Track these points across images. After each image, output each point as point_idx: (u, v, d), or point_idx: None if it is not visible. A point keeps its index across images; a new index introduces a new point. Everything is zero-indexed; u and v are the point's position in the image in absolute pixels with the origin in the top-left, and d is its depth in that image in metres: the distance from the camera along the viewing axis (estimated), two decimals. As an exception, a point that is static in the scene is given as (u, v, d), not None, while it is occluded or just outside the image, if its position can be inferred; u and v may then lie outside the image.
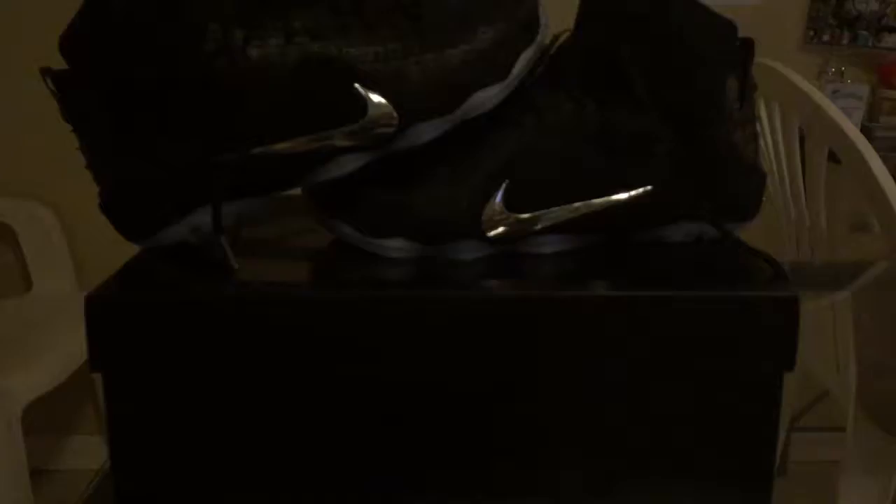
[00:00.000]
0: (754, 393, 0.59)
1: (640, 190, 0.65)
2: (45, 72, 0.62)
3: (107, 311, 0.57)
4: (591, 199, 0.65)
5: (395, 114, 0.62)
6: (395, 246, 0.65)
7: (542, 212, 0.65)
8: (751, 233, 0.70)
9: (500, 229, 0.65)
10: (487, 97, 0.64)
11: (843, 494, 1.33)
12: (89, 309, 0.57)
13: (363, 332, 0.58)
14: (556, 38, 0.68)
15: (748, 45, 0.67)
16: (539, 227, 0.65)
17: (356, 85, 0.61)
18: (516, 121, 0.65)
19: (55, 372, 1.43)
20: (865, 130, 1.86)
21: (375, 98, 0.61)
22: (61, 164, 1.44)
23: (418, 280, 0.61)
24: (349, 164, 0.64)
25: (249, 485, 0.60)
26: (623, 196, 0.65)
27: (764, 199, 0.69)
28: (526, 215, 0.65)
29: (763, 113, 1.48)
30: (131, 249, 0.67)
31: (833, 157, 1.26)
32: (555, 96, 0.65)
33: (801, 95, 1.29)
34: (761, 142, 1.45)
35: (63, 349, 1.46)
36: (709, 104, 0.65)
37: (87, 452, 1.74)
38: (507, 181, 0.64)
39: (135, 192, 0.63)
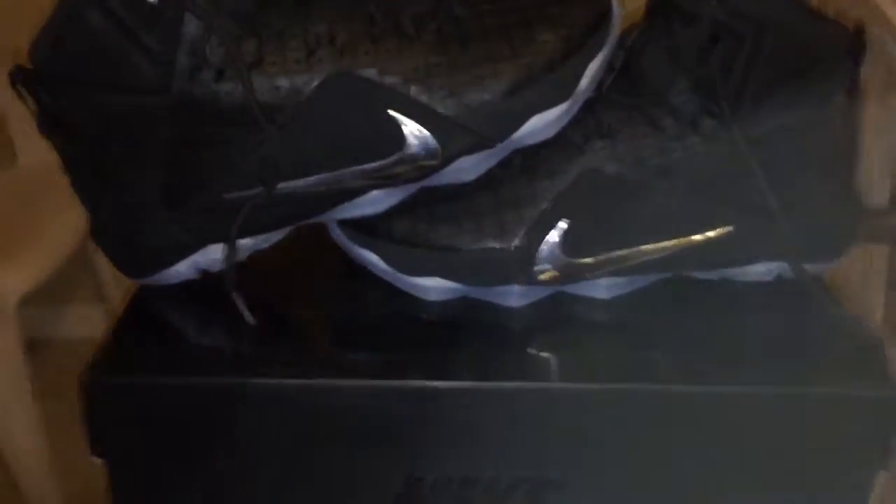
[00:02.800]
0: (841, 494, 0.52)
1: (721, 230, 0.55)
2: (18, 74, 0.50)
3: (104, 396, 0.50)
4: (661, 241, 0.55)
5: (436, 146, 0.51)
6: (431, 286, 0.56)
7: (604, 257, 0.55)
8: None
9: (553, 274, 0.55)
10: (546, 122, 0.52)
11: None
12: (86, 393, 0.49)
13: (384, 424, 0.50)
14: (627, 31, 0.56)
15: (860, 41, 0.54)
16: (597, 272, 0.56)
17: (391, 112, 0.50)
18: (580, 146, 0.54)
19: (48, 262, 1.36)
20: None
21: (413, 128, 0.50)
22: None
23: (458, 366, 0.52)
24: (383, 202, 0.54)
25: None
26: (699, 238, 0.55)
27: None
28: (586, 260, 0.55)
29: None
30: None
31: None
32: (629, 116, 0.54)
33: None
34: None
35: (54, 236, 1.37)
36: (812, 130, 0.54)
37: (87, 321, 1.69)
38: (565, 220, 0.54)
39: (136, 226, 0.53)
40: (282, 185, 0.51)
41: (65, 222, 1.38)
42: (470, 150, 0.52)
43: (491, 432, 0.51)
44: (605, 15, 0.53)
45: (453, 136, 0.51)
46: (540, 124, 0.52)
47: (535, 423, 0.51)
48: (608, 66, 0.54)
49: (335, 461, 0.52)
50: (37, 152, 1.60)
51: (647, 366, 0.52)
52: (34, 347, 1.32)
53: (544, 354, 0.54)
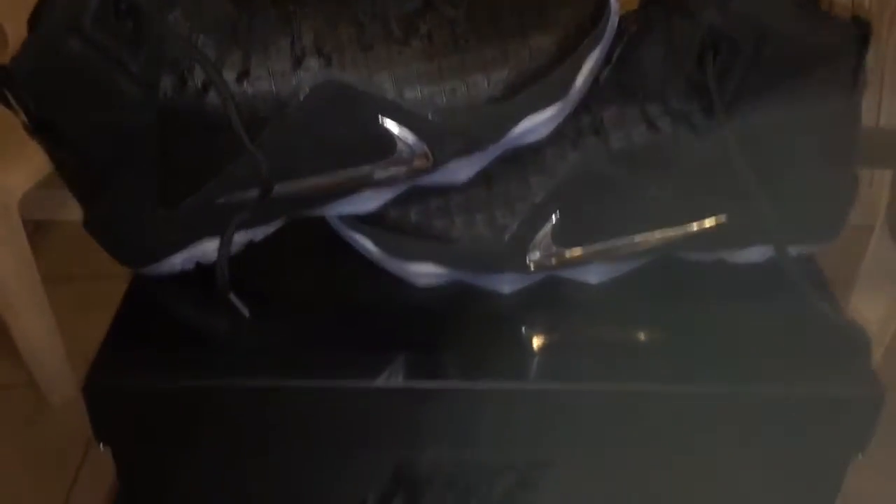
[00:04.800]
0: (820, 472, 0.55)
1: (714, 220, 0.55)
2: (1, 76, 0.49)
3: (106, 398, 0.52)
4: (654, 231, 0.55)
5: (427, 151, 0.50)
6: (424, 272, 0.57)
7: (596, 246, 0.55)
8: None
9: (545, 263, 0.56)
10: (540, 122, 0.52)
11: (854, 303, 1.34)
12: (88, 395, 0.51)
13: (378, 414, 0.52)
14: (624, 18, 0.54)
15: (863, 36, 0.52)
16: (589, 262, 0.56)
17: (382, 119, 0.49)
18: (575, 141, 0.53)
19: (47, 159, 1.35)
20: None
21: (404, 133, 0.50)
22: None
23: (456, 365, 0.53)
24: (375, 200, 0.54)
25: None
26: (693, 227, 0.56)
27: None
28: (577, 251, 0.55)
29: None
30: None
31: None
32: (624, 114, 0.53)
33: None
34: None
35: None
36: (812, 122, 0.53)
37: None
38: (557, 212, 0.54)
39: (131, 222, 0.54)
40: (273, 189, 0.51)
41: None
42: (462, 153, 0.51)
43: (482, 420, 0.53)
44: (601, 10, 0.51)
45: (445, 140, 0.50)
46: (533, 125, 0.51)
47: (526, 412, 0.53)
48: (605, 59, 0.53)
49: (330, 448, 0.54)
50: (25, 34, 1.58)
51: (634, 363, 0.53)
52: (36, 231, 1.34)
53: (535, 344, 0.55)
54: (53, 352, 1.36)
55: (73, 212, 1.98)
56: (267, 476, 0.55)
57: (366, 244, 0.57)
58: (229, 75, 0.47)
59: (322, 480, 0.55)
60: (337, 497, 0.56)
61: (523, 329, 0.55)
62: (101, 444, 0.53)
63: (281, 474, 0.55)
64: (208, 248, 0.54)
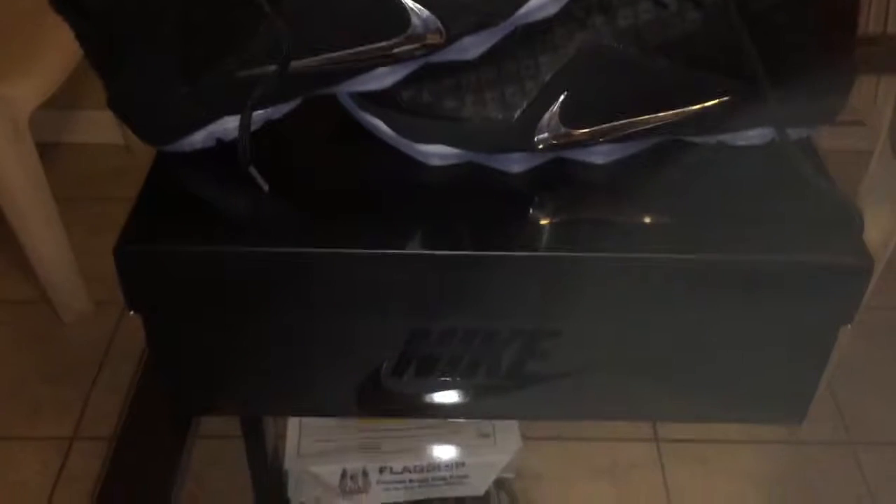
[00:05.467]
0: (811, 339, 0.57)
1: (716, 101, 0.57)
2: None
3: (135, 263, 0.54)
4: (658, 111, 0.57)
5: (441, 27, 0.52)
6: (436, 152, 0.59)
7: (602, 127, 0.57)
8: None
9: (553, 142, 0.58)
10: (547, 0, 0.53)
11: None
12: (118, 260, 0.53)
13: (392, 285, 0.55)
14: None
15: None
16: (596, 142, 0.58)
17: (397, -7, 0.51)
18: (582, 20, 0.55)
19: (58, 72, 1.36)
20: None
21: (418, 9, 0.51)
22: None
23: (468, 235, 0.55)
24: (388, 77, 0.56)
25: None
26: (695, 107, 0.57)
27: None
28: (584, 131, 0.57)
29: None
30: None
31: None
32: (630, -9, 0.54)
33: None
34: None
35: (62, 45, 1.37)
36: (812, 2, 0.55)
37: (95, 126, 1.72)
38: (565, 91, 0.56)
39: (153, 99, 0.55)
40: (290, 64, 0.53)
41: (67, 34, 1.38)
42: (474, 29, 0.53)
43: (492, 288, 0.56)
44: None
45: (458, 15, 0.52)
46: (543, 1, 0.53)
47: (534, 279, 0.55)
48: (613, -64, 0.54)
49: (346, 316, 0.57)
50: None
51: (637, 234, 0.56)
52: (44, 152, 1.36)
53: (542, 221, 0.57)
54: (66, 268, 1.39)
55: (79, 134, 2.00)
56: (286, 340, 0.58)
57: (379, 125, 0.59)
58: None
59: (339, 347, 0.58)
60: (353, 362, 0.59)
61: (532, 204, 0.58)
62: (132, 311, 0.55)
63: (299, 339, 0.58)
64: (228, 126, 0.57)
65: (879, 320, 1.35)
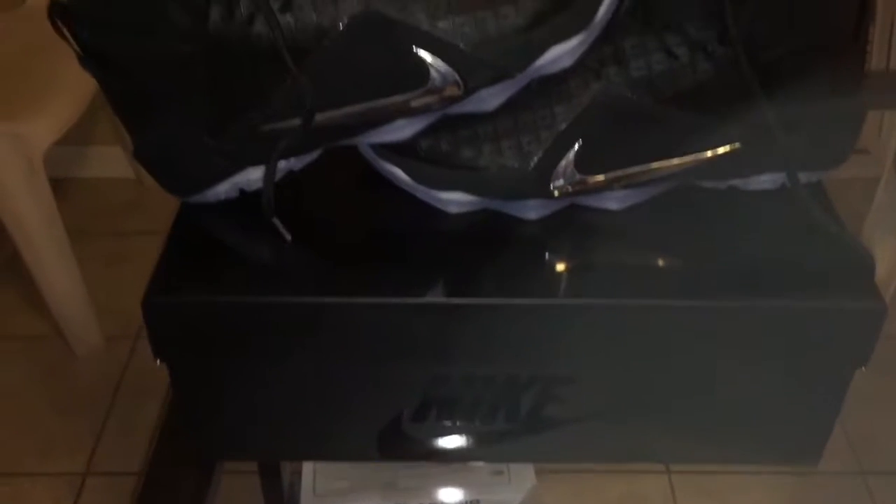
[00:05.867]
0: (825, 383, 0.58)
1: (729, 147, 0.58)
2: (55, 9, 0.52)
3: (162, 314, 0.55)
4: (671, 159, 0.58)
5: (459, 80, 0.53)
6: (454, 199, 0.60)
7: (617, 174, 0.58)
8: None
9: (569, 189, 0.59)
10: (565, 52, 0.54)
11: (866, 241, 1.37)
12: (146, 311, 0.54)
13: (413, 333, 0.56)
14: None
15: None
16: (610, 188, 0.59)
17: (416, 49, 0.52)
18: (597, 71, 0.56)
19: (72, 110, 1.38)
20: None
21: (437, 63, 0.53)
22: None
23: (487, 283, 0.56)
24: (408, 129, 0.57)
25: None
26: (707, 154, 0.59)
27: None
28: (599, 177, 0.58)
29: None
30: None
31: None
32: (643, 43, 0.56)
33: None
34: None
35: (75, 81, 1.38)
36: (821, 51, 0.56)
37: (107, 161, 1.73)
38: (580, 140, 0.57)
39: (179, 151, 0.57)
40: (320, 116, 0.54)
41: (78, 71, 1.39)
42: (491, 82, 0.54)
43: (511, 338, 0.57)
44: None
45: (476, 69, 0.53)
46: (559, 54, 0.54)
47: (551, 327, 0.56)
48: (627, -11, 0.56)
49: (367, 363, 0.58)
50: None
51: (652, 280, 0.57)
52: (57, 187, 1.37)
53: (559, 264, 0.58)
54: (78, 302, 1.40)
55: (91, 169, 2.01)
56: (308, 388, 0.59)
57: (398, 173, 0.60)
58: (274, 5, 0.50)
59: (360, 394, 0.59)
60: (375, 409, 0.60)
61: (548, 251, 0.59)
62: (158, 361, 0.56)
63: (322, 387, 0.59)
64: (251, 177, 0.58)
65: (889, 349, 1.36)
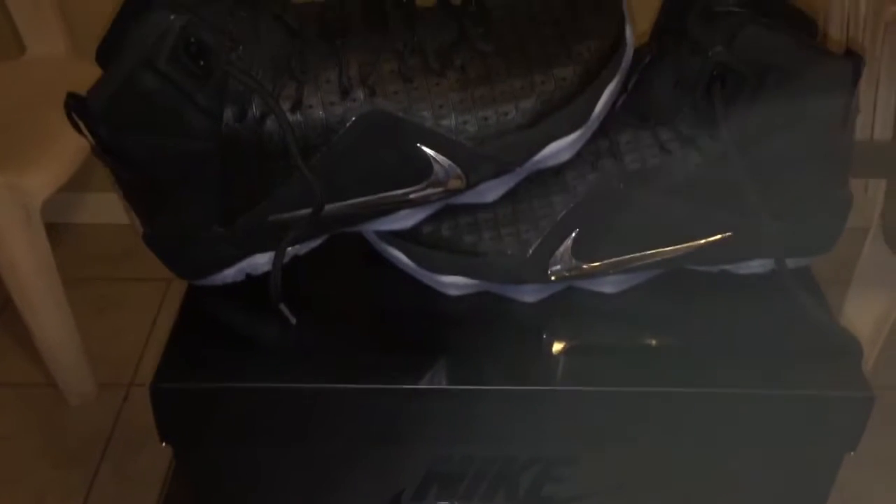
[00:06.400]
0: (815, 468, 0.60)
1: (720, 235, 0.60)
2: (73, 104, 0.54)
3: (170, 400, 0.57)
4: (664, 246, 0.60)
5: (461, 174, 0.56)
6: (454, 283, 0.62)
7: (612, 261, 0.60)
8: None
9: (566, 275, 0.61)
10: (563, 147, 0.57)
11: (848, 307, 1.38)
12: (154, 397, 0.56)
13: (414, 417, 0.58)
14: (638, 50, 0.59)
15: (856, 68, 0.57)
16: (606, 273, 0.61)
17: (421, 145, 0.54)
18: (593, 163, 0.58)
19: (69, 161, 1.39)
20: None
21: (440, 158, 0.55)
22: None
23: (486, 369, 0.58)
24: (411, 218, 0.59)
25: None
26: (701, 242, 0.61)
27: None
28: (594, 264, 0.60)
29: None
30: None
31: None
32: (638, 138, 0.58)
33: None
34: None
35: (73, 134, 1.40)
36: (808, 146, 0.58)
37: (103, 208, 1.74)
38: (577, 228, 0.59)
39: (187, 239, 0.58)
40: (329, 208, 0.56)
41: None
42: (493, 176, 0.56)
43: (509, 423, 0.58)
44: (618, 45, 0.56)
45: (478, 164, 0.55)
46: (557, 149, 0.56)
47: (550, 411, 0.58)
48: (622, 87, 0.58)
49: (369, 445, 0.59)
50: (43, 41, 1.62)
51: (646, 367, 0.58)
52: (52, 233, 1.38)
53: (556, 349, 0.60)
54: (72, 351, 1.40)
55: (86, 215, 2.01)
56: (312, 469, 0.60)
57: (400, 257, 0.62)
58: (284, 105, 0.52)
59: (363, 474, 0.60)
60: (377, 488, 0.61)
61: (546, 335, 0.60)
62: (163, 443, 0.58)
63: (325, 467, 0.60)
64: (258, 262, 0.59)
65: (878, 399, 1.37)
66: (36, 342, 1.38)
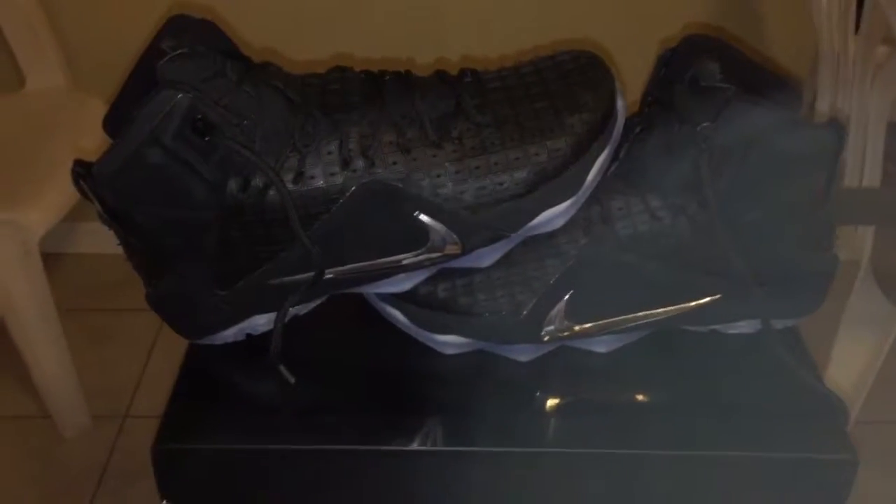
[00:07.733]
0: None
1: (709, 298, 0.62)
2: (79, 171, 0.56)
3: (171, 461, 0.58)
4: (654, 309, 0.62)
5: (458, 241, 0.57)
6: (450, 342, 0.63)
7: (604, 322, 0.62)
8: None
9: (559, 335, 0.62)
10: (556, 214, 0.58)
11: (837, 349, 1.39)
12: (155, 458, 0.57)
13: (416, 479, 0.59)
14: (629, 122, 0.61)
15: (839, 138, 0.59)
16: (598, 334, 0.63)
17: (418, 214, 0.56)
18: (586, 228, 0.60)
19: (67, 197, 1.40)
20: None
21: (437, 226, 0.57)
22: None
23: (480, 431, 0.60)
24: (408, 282, 0.61)
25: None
26: (690, 304, 0.62)
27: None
28: (587, 325, 0.62)
29: None
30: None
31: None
32: (629, 205, 0.60)
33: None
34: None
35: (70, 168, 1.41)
36: (791, 217, 0.60)
37: (99, 237, 1.75)
38: (570, 292, 0.61)
39: (189, 300, 0.60)
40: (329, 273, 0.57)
41: (79, 151, 1.42)
42: (489, 242, 0.58)
43: (504, 483, 0.60)
44: (609, 116, 0.58)
45: (474, 232, 0.57)
46: (551, 216, 0.58)
47: (543, 472, 0.60)
48: (613, 155, 0.60)
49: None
50: (43, 74, 1.63)
51: (635, 425, 0.60)
52: (47, 263, 1.39)
53: (549, 409, 0.62)
54: (67, 384, 1.41)
55: (82, 245, 2.01)
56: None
57: (398, 317, 0.63)
58: (287, 177, 0.54)
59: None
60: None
61: (539, 394, 0.62)
62: (164, 501, 0.59)
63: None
64: (258, 323, 0.61)
65: (868, 434, 1.39)
66: (31, 374, 1.38)
